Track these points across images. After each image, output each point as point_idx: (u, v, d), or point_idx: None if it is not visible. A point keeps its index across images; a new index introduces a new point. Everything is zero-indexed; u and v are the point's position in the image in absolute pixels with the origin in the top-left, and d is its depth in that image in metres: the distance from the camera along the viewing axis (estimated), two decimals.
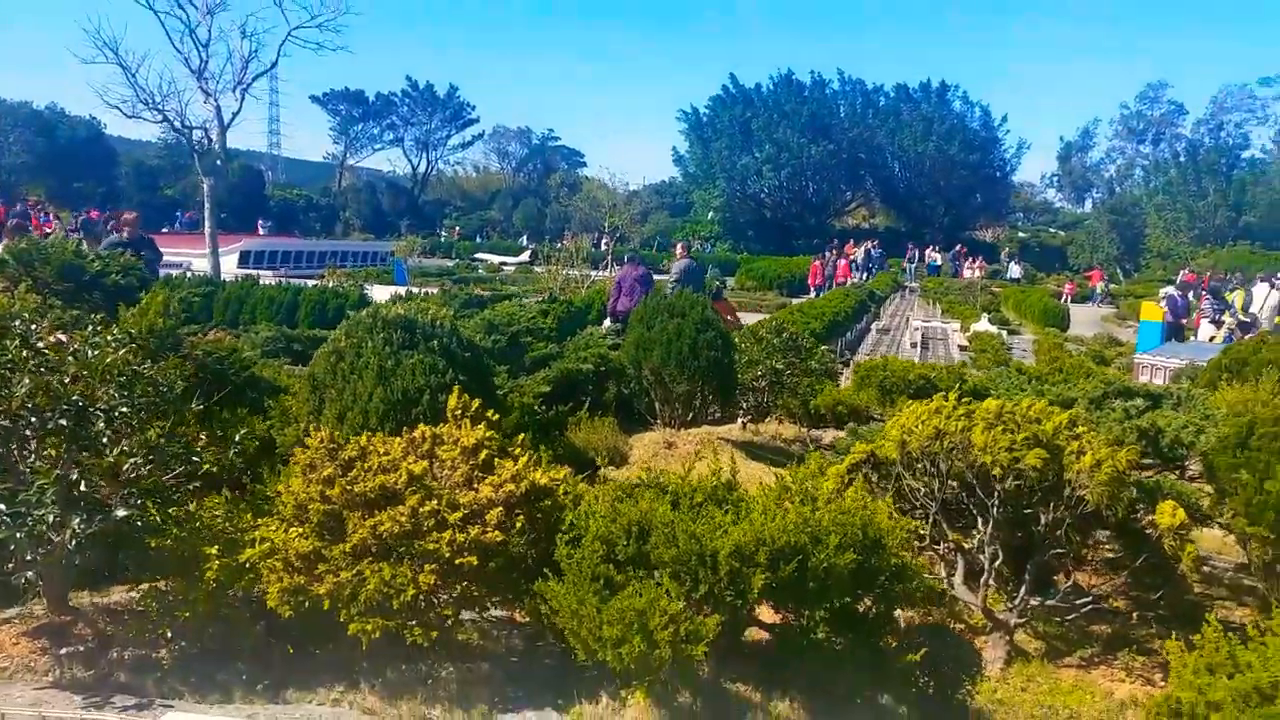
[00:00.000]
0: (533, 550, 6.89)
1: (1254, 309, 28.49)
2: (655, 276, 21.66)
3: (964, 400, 9.76)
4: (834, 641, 6.54)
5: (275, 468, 9.45)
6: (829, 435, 14.36)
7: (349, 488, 6.46)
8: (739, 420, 14.47)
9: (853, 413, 12.76)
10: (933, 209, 75.44)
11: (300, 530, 6.57)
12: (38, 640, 7.11)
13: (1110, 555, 12.30)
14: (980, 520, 9.86)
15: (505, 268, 50.73)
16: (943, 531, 9.87)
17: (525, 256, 57.84)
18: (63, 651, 6.75)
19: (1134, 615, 11.47)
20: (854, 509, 6.41)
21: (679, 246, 24.06)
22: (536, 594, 5.96)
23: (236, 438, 7.16)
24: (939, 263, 57.32)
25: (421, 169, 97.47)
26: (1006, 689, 9.23)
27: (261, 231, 59.26)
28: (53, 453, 6.53)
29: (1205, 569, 13.17)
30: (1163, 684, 8.88)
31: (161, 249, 34.63)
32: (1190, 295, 30.28)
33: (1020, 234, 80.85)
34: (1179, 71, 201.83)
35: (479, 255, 60.56)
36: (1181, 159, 67.89)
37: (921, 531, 9.42)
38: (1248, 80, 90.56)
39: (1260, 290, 29.79)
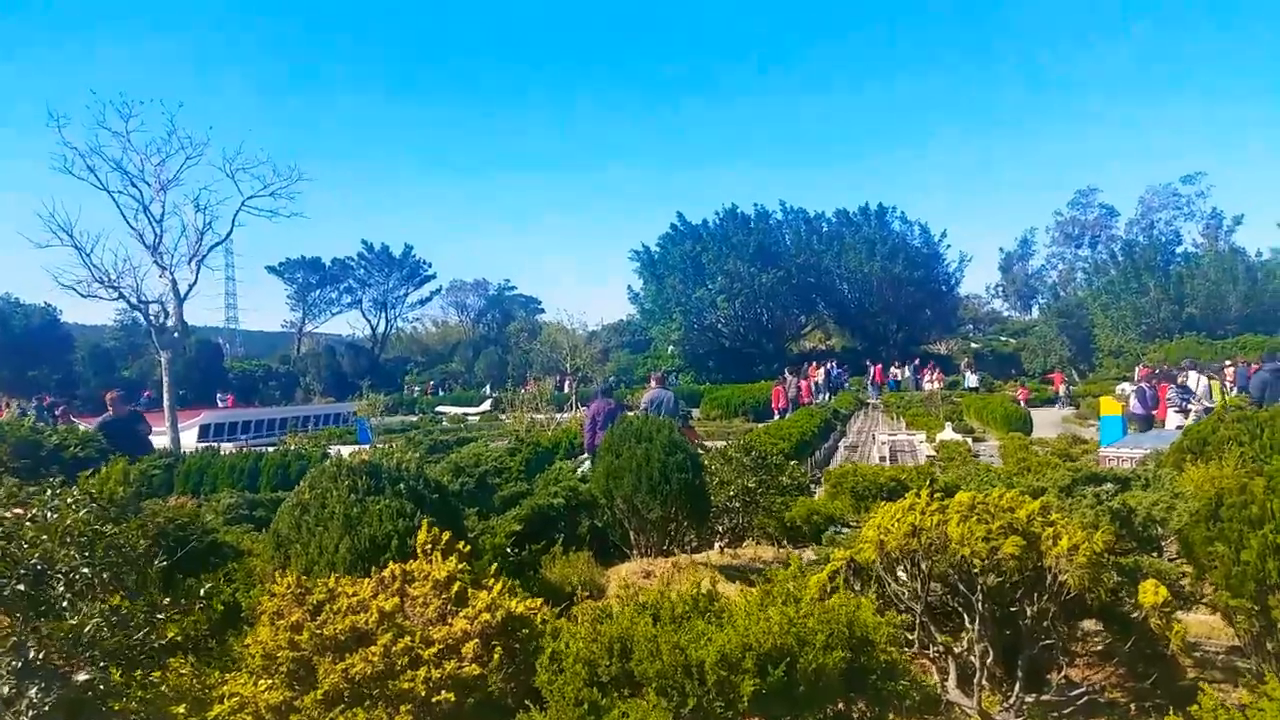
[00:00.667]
0: (512, 684, 6.68)
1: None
2: (629, 412, 21.77)
3: (936, 496, 9.80)
4: None
5: (241, 630, 9.12)
6: (808, 553, 14.25)
7: (318, 631, 6.29)
8: (716, 545, 14.34)
9: (828, 521, 12.71)
10: (885, 325, 77.08)
11: (270, 681, 6.36)
12: None
13: (1100, 647, 12.15)
14: (967, 618, 9.75)
15: (469, 418, 50.64)
16: (930, 635, 9.71)
17: (487, 405, 57.77)
18: None
19: (1131, 706, 11.25)
20: (838, 607, 6.33)
21: (653, 377, 24.38)
22: None
23: (202, 592, 6.98)
24: (899, 379, 58.08)
25: (380, 328, 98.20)
26: None
27: (220, 405, 58.97)
28: (7, 621, 6.31)
29: (1197, 654, 13.01)
30: None
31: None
32: (1154, 385, 31.11)
33: (973, 344, 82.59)
34: (1105, 174, 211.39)
35: (441, 408, 60.38)
36: (1119, 259, 70.37)
37: (909, 637, 9.25)
38: (1170, 179, 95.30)
39: (1192, 378, 31.06)
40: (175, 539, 11.60)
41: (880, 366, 62.12)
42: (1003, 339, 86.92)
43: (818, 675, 6.00)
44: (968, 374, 57.50)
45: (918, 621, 9.62)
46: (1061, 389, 52.07)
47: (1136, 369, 43.14)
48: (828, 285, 78.08)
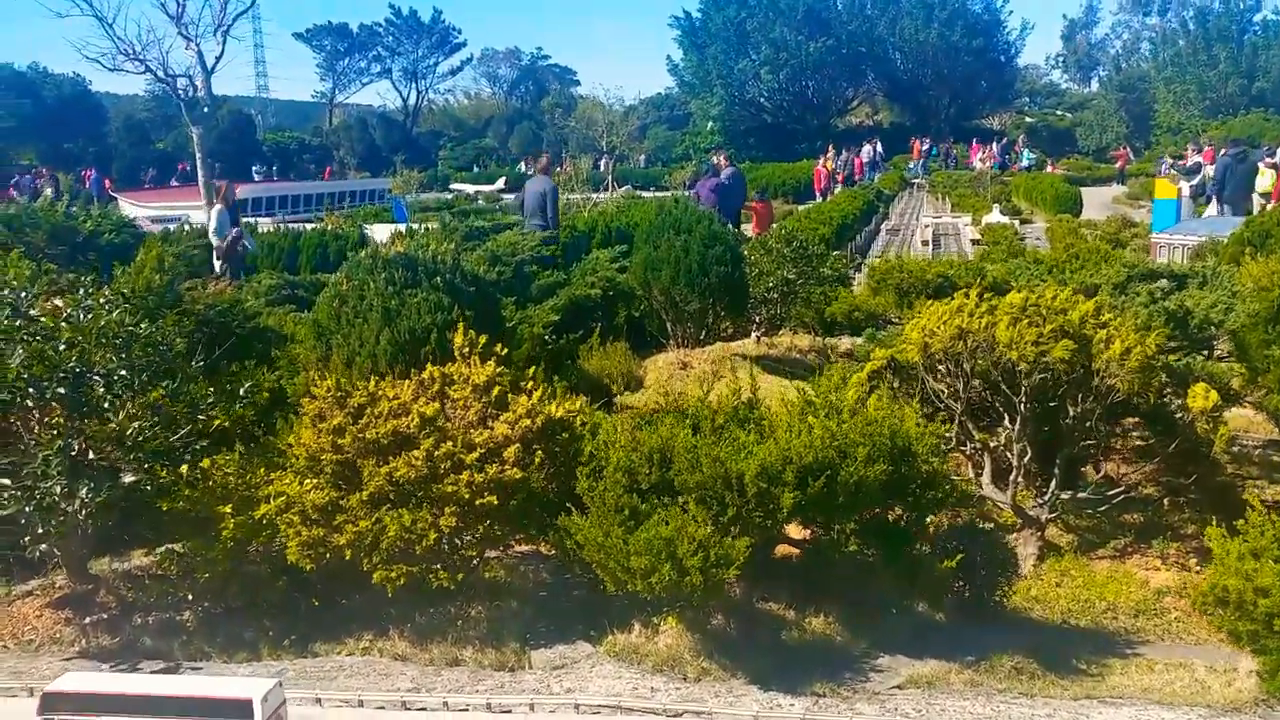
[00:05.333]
0: (553, 484, 6.75)
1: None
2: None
3: (985, 296, 9.51)
4: (865, 553, 6.46)
5: (288, 418, 9.28)
6: (845, 343, 14.13)
7: (360, 435, 6.29)
8: (753, 334, 14.23)
9: (869, 318, 12.49)
10: (937, 99, 73.69)
11: (315, 482, 6.43)
12: (61, 611, 7.07)
13: (1139, 443, 12.14)
14: (1007, 418, 9.70)
15: (505, 196, 50.05)
16: (968, 432, 9.73)
17: (500, 184, 56.80)
18: (87, 621, 6.71)
19: (1165, 501, 11.33)
20: (881, 418, 6.21)
21: (720, 155, 24.38)
22: (561, 528, 5.83)
23: (241, 390, 6.98)
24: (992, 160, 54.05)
25: (412, 101, 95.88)
26: (1041, 585, 9.15)
27: (256, 178, 58.58)
28: (55, 422, 6.36)
29: (1234, 448, 12.99)
30: (1199, 569, 8.78)
31: (155, 204, 34.13)
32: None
33: (1027, 119, 79.06)
34: None
35: (455, 185, 59.65)
36: (1190, 27, 65.78)
37: (947, 434, 9.25)
38: None
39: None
40: (217, 326, 11.67)
41: (937, 144, 59.51)
42: (1058, 113, 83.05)
43: (858, 487, 5.99)
44: (1024, 152, 55.05)
45: (956, 420, 9.60)
46: (1128, 166, 49.89)
47: (1193, 149, 41.05)
48: (879, 55, 74.03)
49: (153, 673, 6.27)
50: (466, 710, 7.21)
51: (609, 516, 5.55)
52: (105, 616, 6.66)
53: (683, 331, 13.37)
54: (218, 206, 17.75)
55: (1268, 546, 6.81)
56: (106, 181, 35.35)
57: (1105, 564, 9.99)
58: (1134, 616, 9.33)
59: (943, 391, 9.50)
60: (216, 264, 16.33)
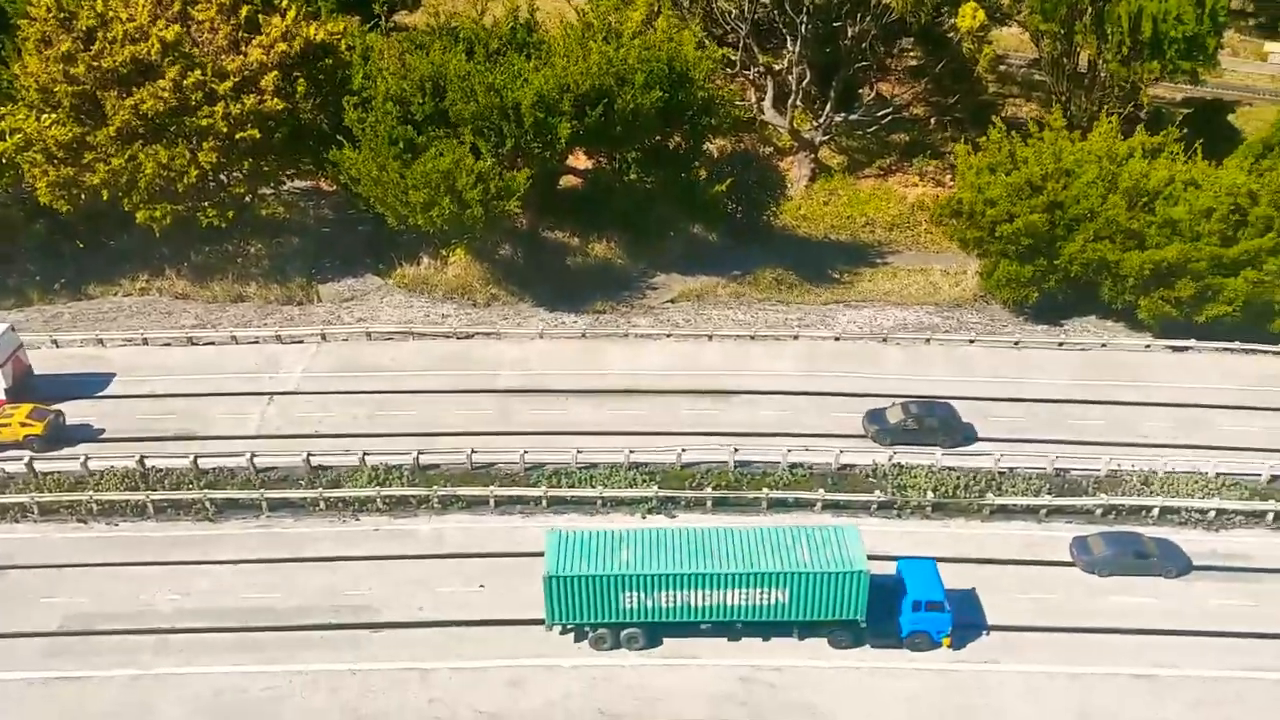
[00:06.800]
0: (323, 116, 6.39)
1: None
2: None
3: None
4: (646, 180, 6.60)
5: (14, 42, 8.20)
6: None
7: (95, 64, 5.72)
8: None
9: None
10: None
11: (54, 117, 5.90)
12: None
13: (912, 64, 12.52)
14: (789, 39, 9.68)
15: None
16: (753, 55, 9.68)
17: None
18: None
19: (931, 120, 11.95)
20: (659, 43, 6.09)
21: None
22: (333, 163, 5.62)
23: None
24: None
25: None
26: (810, 204, 9.74)
27: None
28: None
29: (1001, 68, 13.64)
30: (951, 185, 9.57)
31: None
32: None
33: None
34: None
35: None
36: None
37: (732, 58, 9.15)
38: None
39: None
40: None
41: None
42: None
43: (635, 115, 5.97)
44: None
45: (742, 43, 9.47)
46: None
47: None
48: None
49: None
50: (257, 343, 7.26)
51: (383, 150, 5.39)
52: None
53: None
54: None
55: (1002, 162, 7.43)
56: None
57: (871, 182, 10.68)
58: (889, 230, 10.22)
59: (731, 11, 9.32)
60: None
